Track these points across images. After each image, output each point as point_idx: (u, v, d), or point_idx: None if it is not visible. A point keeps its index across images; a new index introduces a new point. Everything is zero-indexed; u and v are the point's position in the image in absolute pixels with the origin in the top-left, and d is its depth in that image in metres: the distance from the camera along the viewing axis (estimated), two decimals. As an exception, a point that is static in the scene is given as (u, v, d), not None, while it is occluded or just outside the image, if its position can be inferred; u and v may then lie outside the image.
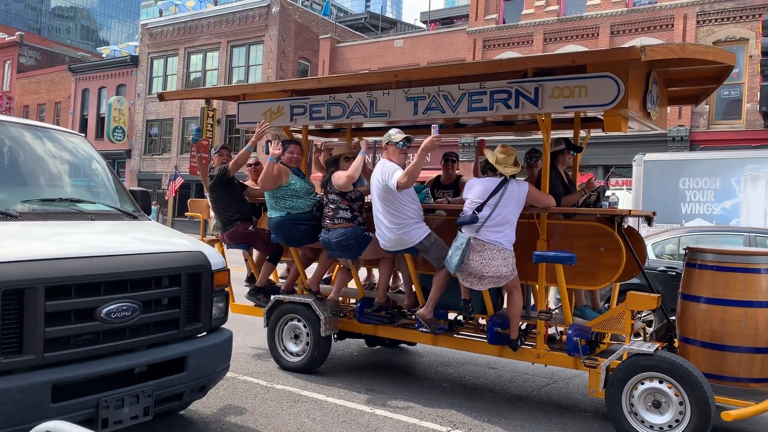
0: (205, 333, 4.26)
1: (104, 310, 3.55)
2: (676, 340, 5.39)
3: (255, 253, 7.12)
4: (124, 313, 3.63)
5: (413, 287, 6.07)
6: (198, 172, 6.84)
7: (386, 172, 5.47)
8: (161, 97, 7.42)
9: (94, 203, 4.56)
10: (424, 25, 38.72)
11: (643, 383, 4.83)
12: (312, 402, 5.56)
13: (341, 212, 5.96)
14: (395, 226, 5.57)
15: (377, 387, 6.13)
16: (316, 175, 7.53)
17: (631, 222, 6.64)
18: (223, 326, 4.51)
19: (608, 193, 6.09)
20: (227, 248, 7.04)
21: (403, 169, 5.40)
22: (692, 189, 16.69)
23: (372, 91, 6.13)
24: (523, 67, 5.45)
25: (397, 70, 5.81)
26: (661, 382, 4.76)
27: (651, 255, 8.13)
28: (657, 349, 4.87)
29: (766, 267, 4.95)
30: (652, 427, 4.78)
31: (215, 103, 31.73)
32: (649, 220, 5.82)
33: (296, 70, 32.59)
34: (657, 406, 4.79)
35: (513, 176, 5.31)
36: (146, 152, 38.59)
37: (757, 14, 20.99)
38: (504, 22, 26.41)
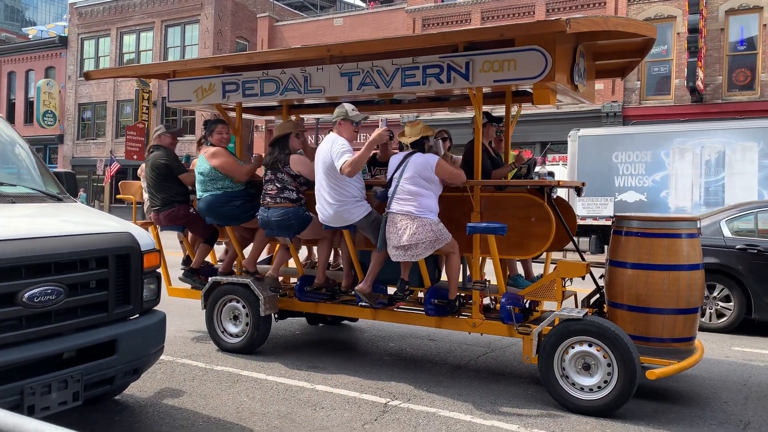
0: (136, 315, 4.18)
1: (26, 294, 3.43)
2: (605, 306, 5.59)
3: (190, 235, 7.03)
4: (48, 297, 3.52)
5: (353, 267, 6.12)
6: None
7: (336, 150, 5.48)
8: (87, 75, 7.20)
9: (15, 186, 4.39)
10: (364, 4, 38.44)
11: (573, 347, 4.99)
12: (252, 381, 5.55)
13: (287, 192, 5.93)
14: (337, 202, 5.60)
15: (318, 363, 6.17)
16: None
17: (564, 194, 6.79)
18: (155, 308, 4.43)
19: (540, 168, 6.16)
20: (161, 230, 6.93)
21: (350, 147, 5.49)
22: (624, 162, 17.22)
23: (306, 66, 6.09)
24: (454, 41, 5.51)
25: (330, 45, 5.79)
26: (590, 345, 4.93)
27: (727, 233, 8.24)
28: (586, 314, 5.05)
29: (687, 232, 5.19)
30: (582, 388, 4.96)
31: (151, 84, 30.94)
32: (578, 191, 5.99)
33: (234, 49, 31.98)
34: (587, 368, 4.97)
35: (418, 149, 5.45)
36: (80, 137, 37.38)
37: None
38: (443, 1, 26.50)
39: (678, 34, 21.83)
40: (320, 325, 7.80)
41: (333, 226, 5.76)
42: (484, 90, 5.81)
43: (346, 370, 5.95)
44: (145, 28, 34.59)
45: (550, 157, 23.21)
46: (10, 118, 40.00)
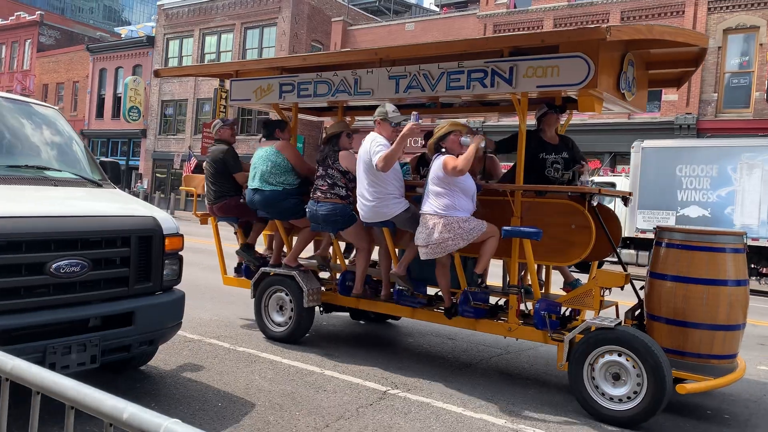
0: (156, 292, 4.52)
1: (54, 266, 3.80)
2: (645, 317, 5.49)
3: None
4: (73, 269, 3.89)
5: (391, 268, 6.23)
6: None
7: (374, 148, 5.62)
8: (157, 73, 7.58)
9: (60, 171, 4.82)
10: (437, 9, 38.50)
11: (603, 356, 4.92)
12: (267, 363, 5.83)
13: (337, 188, 6.08)
14: (375, 199, 5.72)
15: (334, 352, 6.37)
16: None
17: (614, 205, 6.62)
18: (176, 287, 4.77)
19: (589, 177, 6.06)
20: (218, 221, 7.22)
21: (389, 145, 5.59)
22: (689, 176, 16.68)
23: (356, 69, 6.22)
24: (498, 46, 5.53)
25: (378, 48, 5.90)
26: (620, 355, 4.85)
27: None
28: (619, 323, 4.97)
29: (732, 247, 5.04)
30: (611, 398, 4.88)
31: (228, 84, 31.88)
32: (625, 201, 5.90)
33: (309, 52, 32.62)
34: (616, 378, 4.89)
35: (442, 153, 5.47)
36: (161, 132, 38.90)
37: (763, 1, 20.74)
38: (515, 7, 26.29)
39: (761, 45, 20.96)
40: (362, 322, 7.91)
41: (372, 221, 5.87)
42: (532, 96, 5.79)
43: (358, 360, 6.12)
44: (226, 30, 35.71)
45: (620, 168, 22.67)
46: (100, 113, 42.02)
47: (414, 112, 5.49)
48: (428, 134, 6.00)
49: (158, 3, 40.92)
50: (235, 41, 35.08)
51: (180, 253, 4.74)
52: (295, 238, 6.81)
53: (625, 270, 5.68)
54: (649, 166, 16.95)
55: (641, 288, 5.53)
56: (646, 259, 16.54)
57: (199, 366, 5.57)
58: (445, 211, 5.38)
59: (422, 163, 6.94)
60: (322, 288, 6.64)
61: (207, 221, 7.50)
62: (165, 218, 4.61)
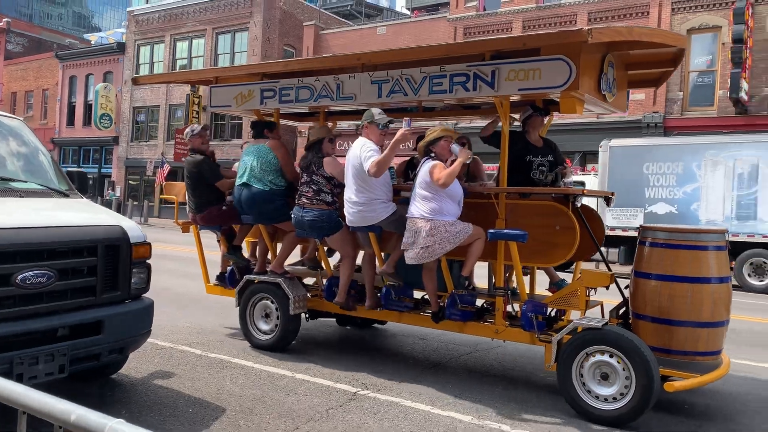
0: (125, 300, 4.51)
1: (20, 277, 3.80)
2: (630, 316, 5.49)
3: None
4: (39, 280, 3.89)
5: (376, 287, 6.20)
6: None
7: (365, 153, 5.55)
8: (135, 81, 7.42)
9: (26, 182, 4.79)
10: (409, 13, 38.56)
11: (592, 356, 4.90)
12: (239, 368, 5.83)
13: (323, 194, 6.00)
14: (363, 203, 5.66)
15: (307, 356, 6.36)
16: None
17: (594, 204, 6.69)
18: (144, 295, 4.76)
19: (570, 178, 6.10)
20: (200, 229, 7.09)
21: (380, 149, 5.55)
22: (655, 174, 16.91)
23: (338, 74, 6.15)
24: (480, 50, 5.50)
25: (360, 54, 5.84)
26: (609, 355, 4.83)
27: None
28: (606, 323, 4.96)
29: (714, 245, 5.06)
30: (598, 397, 4.87)
31: (200, 89, 31.56)
32: (608, 201, 5.90)
33: (281, 56, 32.41)
34: (605, 378, 4.87)
35: (431, 157, 5.47)
36: (133, 139, 38.33)
37: (730, 2, 21.08)
38: (484, 10, 26.41)
39: (723, 44, 21.29)
40: (348, 327, 7.83)
41: (359, 226, 5.80)
42: (514, 99, 5.78)
43: (330, 363, 6.12)
44: (197, 35, 35.33)
45: (590, 167, 22.88)
46: (70, 120, 41.30)
47: (405, 118, 5.44)
48: (420, 137, 5.97)
49: (128, 9, 40.41)
50: (206, 47, 34.72)
51: (148, 261, 4.73)
52: (279, 245, 6.71)
53: (610, 269, 5.69)
54: (617, 165, 17.15)
55: (626, 287, 5.54)
56: (615, 256, 16.86)
57: (171, 373, 5.56)
58: (431, 215, 5.34)
59: (410, 167, 6.89)
60: (308, 294, 6.54)
61: (189, 230, 7.36)
62: (132, 227, 4.62)
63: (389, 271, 5.85)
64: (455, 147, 5.31)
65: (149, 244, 4.73)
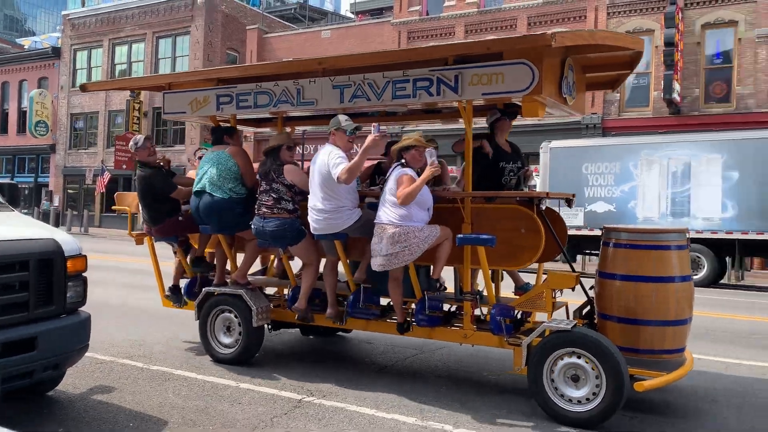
0: (60, 315, 4.37)
1: None
2: (596, 316, 5.50)
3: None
4: None
5: (338, 295, 6.05)
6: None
7: (332, 159, 5.41)
8: (84, 87, 7.06)
9: None
10: (354, 16, 38.38)
11: (562, 359, 4.87)
12: (182, 380, 5.68)
13: (284, 203, 5.79)
14: (330, 211, 5.51)
15: (253, 365, 6.20)
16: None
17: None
18: (81, 309, 4.62)
19: (534, 181, 6.14)
20: (156, 241, 6.79)
21: (347, 156, 5.43)
22: (594, 174, 17.29)
23: (299, 79, 5.97)
24: (443, 54, 5.43)
25: (321, 58, 5.68)
26: (578, 357, 4.81)
27: None
28: (575, 325, 4.95)
29: (676, 244, 5.11)
30: (570, 400, 4.84)
31: (141, 95, 30.69)
32: (569, 202, 5.91)
33: (224, 60, 31.83)
34: (575, 380, 4.85)
35: (402, 164, 5.38)
36: (71, 147, 36.97)
37: (662, 6, 21.73)
38: (427, 14, 26.53)
39: (656, 47, 21.90)
40: (311, 336, 7.64)
41: (324, 234, 5.64)
42: (476, 103, 5.72)
43: (277, 370, 6.03)
44: (137, 40, 34.36)
45: (532, 168, 23.21)
46: (3, 128, 39.60)
47: (375, 124, 5.33)
48: (391, 143, 5.87)
49: (64, 12, 39.05)
50: (147, 51, 33.78)
51: (84, 274, 4.59)
52: (240, 254, 6.47)
53: (574, 270, 5.69)
54: (558, 166, 17.46)
55: (591, 288, 5.55)
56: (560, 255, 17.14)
57: (111, 387, 5.39)
58: (401, 221, 5.23)
59: (378, 172, 6.76)
60: (271, 305, 6.33)
61: (143, 241, 7.03)
62: (66, 240, 4.49)
63: (363, 278, 5.75)
64: (430, 153, 5.21)
65: (85, 256, 4.60)
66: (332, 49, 27.55)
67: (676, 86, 20.71)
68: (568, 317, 5.65)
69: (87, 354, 4.88)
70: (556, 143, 17.88)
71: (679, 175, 16.68)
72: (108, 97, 34.71)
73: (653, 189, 16.79)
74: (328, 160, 5.45)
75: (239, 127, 7.03)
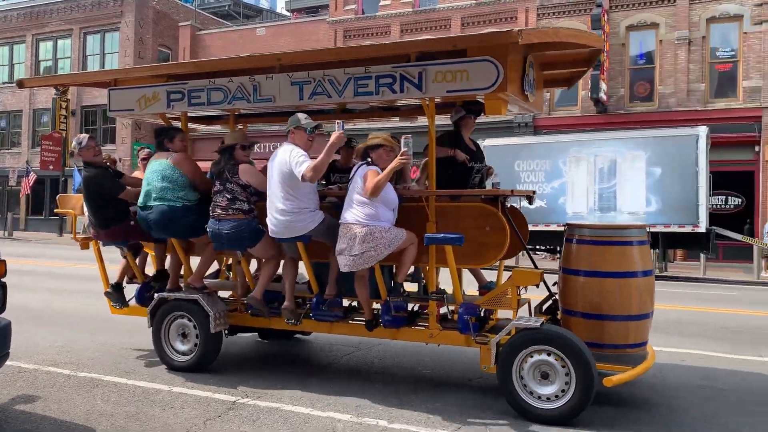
0: None
1: None
2: (558, 312, 5.46)
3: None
4: None
5: (300, 285, 5.86)
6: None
7: (294, 158, 5.15)
8: (20, 84, 6.50)
9: None
10: (289, 14, 37.70)
11: (531, 356, 4.81)
12: (111, 386, 5.47)
13: (239, 203, 5.50)
14: (291, 212, 5.24)
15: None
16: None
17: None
18: (1, 316, 4.38)
19: (498, 179, 6.09)
20: (103, 245, 6.34)
21: (307, 155, 5.20)
22: (526, 171, 17.61)
23: (255, 75, 5.68)
24: (407, 51, 5.27)
25: (281, 54, 5.41)
26: (548, 354, 4.75)
27: None
28: (543, 323, 4.88)
29: (638, 239, 5.12)
30: (539, 397, 4.78)
31: (69, 92, 29.28)
32: (529, 199, 5.85)
33: (156, 58, 30.72)
34: (545, 377, 4.79)
35: (368, 162, 5.22)
36: (-6, 146, 34.98)
37: (589, 8, 22.26)
38: (363, 13, 26.34)
39: (584, 48, 22.38)
40: (265, 341, 7.34)
41: (286, 237, 5.39)
42: (438, 100, 5.59)
43: (211, 373, 5.81)
44: (63, 35, 32.78)
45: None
46: None
47: (338, 121, 5.11)
48: (349, 140, 5.65)
49: (-19, 7, 36.80)
50: (74, 47, 32.26)
51: (3, 279, 4.35)
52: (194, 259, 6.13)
53: (536, 267, 5.64)
54: (492, 163, 17.57)
55: (554, 284, 5.51)
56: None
57: (35, 397, 5.12)
58: (368, 220, 5.05)
59: (332, 170, 6.54)
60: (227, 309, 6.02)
61: (88, 246, 6.56)
62: None
63: (333, 293, 5.55)
64: (406, 142, 5.03)
65: (4, 261, 4.38)
66: (267, 47, 27.00)
67: (603, 86, 21.26)
68: (530, 314, 5.59)
69: (8, 362, 4.67)
70: (489, 141, 18.06)
71: (606, 172, 17.17)
72: (32, 95, 32.98)
73: (581, 185, 17.18)
74: (289, 159, 5.20)
75: (190, 125, 6.65)
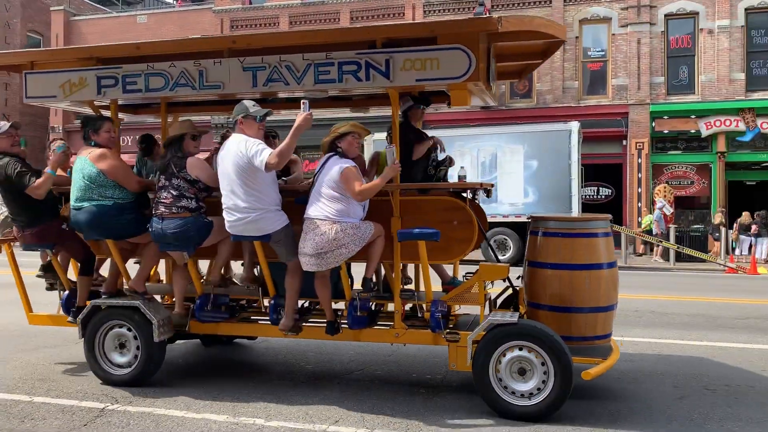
0: None
1: None
2: (521, 306, 5.28)
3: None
4: None
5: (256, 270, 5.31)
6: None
7: (251, 148, 4.54)
8: None
9: None
10: (171, 1, 35.37)
11: (508, 353, 4.57)
12: None
13: (184, 201, 4.84)
14: (254, 210, 4.65)
15: (48, 377, 5.50)
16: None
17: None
18: None
19: (464, 172, 5.83)
20: (24, 249, 5.39)
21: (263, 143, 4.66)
22: None
23: (201, 59, 5.00)
24: (373, 36, 4.86)
25: (236, 36, 4.79)
26: (527, 350, 4.53)
27: None
28: (520, 317, 4.66)
29: (603, 231, 5.02)
30: (514, 393, 4.56)
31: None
32: (488, 192, 5.61)
33: (25, 44, 27.78)
34: (522, 373, 4.58)
35: (338, 153, 4.79)
36: None
37: (471, 6, 22.61)
38: (250, 3, 25.24)
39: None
40: (207, 347, 6.64)
41: (244, 235, 4.80)
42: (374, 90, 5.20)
43: (77, 380, 5.38)
44: None
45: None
46: None
47: (304, 100, 4.52)
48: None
49: None
50: (-74, 29, 28.49)
51: None
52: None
53: (498, 261, 5.42)
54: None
55: (518, 277, 5.31)
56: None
57: None
58: (338, 216, 4.59)
59: None
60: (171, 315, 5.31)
61: (0, 249, 5.56)
62: None
63: (290, 325, 4.93)
64: (391, 151, 4.61)
65: None
66: (149, 35, 25.18)
67: (487, 83, 21.66)
68: (491, 309, 5.36)
69: None
70: (378, 136, 17.86)
71: (488, 165, 17.59)
72: None
73: (467, 177, 17.42)
74: (245, 150, 4.60)
75: (120, 114, 5.80)
